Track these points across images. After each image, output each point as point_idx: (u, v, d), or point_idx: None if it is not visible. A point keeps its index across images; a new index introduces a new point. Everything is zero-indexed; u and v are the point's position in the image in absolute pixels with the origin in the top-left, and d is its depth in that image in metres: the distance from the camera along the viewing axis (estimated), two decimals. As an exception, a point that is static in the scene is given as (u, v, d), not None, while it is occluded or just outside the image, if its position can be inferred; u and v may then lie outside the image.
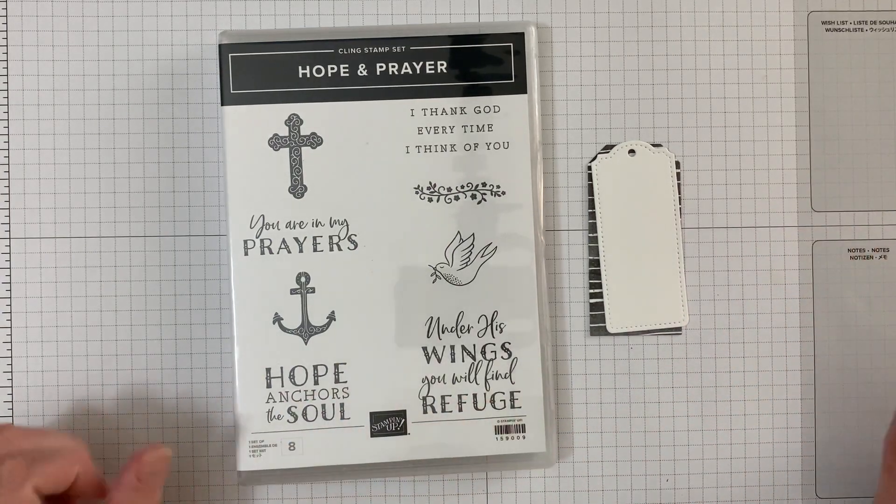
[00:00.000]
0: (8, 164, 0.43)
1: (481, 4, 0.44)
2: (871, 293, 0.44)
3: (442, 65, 0.42)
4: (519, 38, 0.42)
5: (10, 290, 0.43)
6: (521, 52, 0.42)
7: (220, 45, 0.41)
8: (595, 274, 0.43)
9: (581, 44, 0.44)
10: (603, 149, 0.44)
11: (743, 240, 0.44)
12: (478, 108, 0.42)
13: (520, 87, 0.42)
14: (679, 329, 0.44)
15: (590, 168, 0.44)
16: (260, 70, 0.42)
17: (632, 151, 0.44)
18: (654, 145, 0.44)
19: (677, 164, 0.44)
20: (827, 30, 0.44)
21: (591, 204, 0.44)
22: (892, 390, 0.44)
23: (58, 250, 0.43)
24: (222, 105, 0.41)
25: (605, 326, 0.43)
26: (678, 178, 0.44)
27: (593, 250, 0.43)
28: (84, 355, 0.43)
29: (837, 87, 0.44)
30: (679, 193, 0.44)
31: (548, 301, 0.43)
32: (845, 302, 0.44)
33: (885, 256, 0.44)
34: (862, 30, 0.44)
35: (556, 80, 0.44)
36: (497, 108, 0.42)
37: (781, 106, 0.44)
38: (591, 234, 0.44)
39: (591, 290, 0.43)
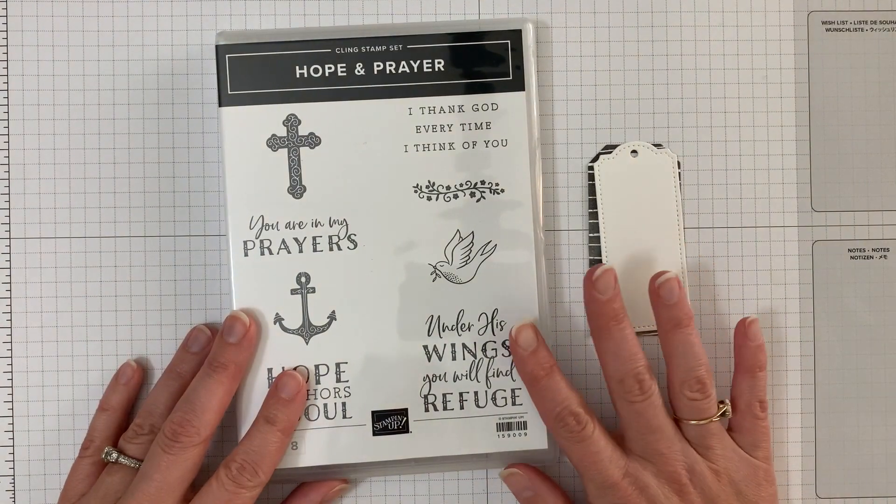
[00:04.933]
0: (8, 164, 0.43)
1: (481, 4, 0.44)
2: (871, 293, 0.44)
3: (440, 63, 0.42)
4: (517, 36, 0.42)
5: (10, 290, 0.43)
6: (518, 50, 0.42)
7: (217, 46, 0.41)
8: (595, 274, 0.43)
9: (581, 44, 0.44)
10: (605, 149, 0.44)
11: (743, 240, 0.44)
12: (476, 106, 0.42)
13: (518, 84, 0.42)
14: (679, 329, 0.44)
15: (591, 168, 0.44)
16: (257, 71, 0.41)
17: (634, 152, 0.44)
18: (654, 145, 0.44)
19: (678, 165, 0.44)
20: (827, 30, 0.44)
21: (592, 204, 0.44)
22: (893, 390, 0.44)
23: (58, 250, 0.43)
24: (220, 106, 0.41)
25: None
26: (679, 179, 0.44)
27: (594, 250, 0.43)
28: (84, 355, 0.43)
29: (837, 87, 0.44)
30: (680, 194, 0.44)
31: (548, 299, 0.43)
32: (845, 302, 0.44)
33: (885, 256, 0.44)
34: (862, 30, 0.44)
35: (556, 80, 0.44)
36: (495, 106, 0.42)
37: (781, 106, 0.44)
38: (591, 235, 0.44)
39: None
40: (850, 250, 0.44)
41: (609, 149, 0.44)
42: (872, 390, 0.44)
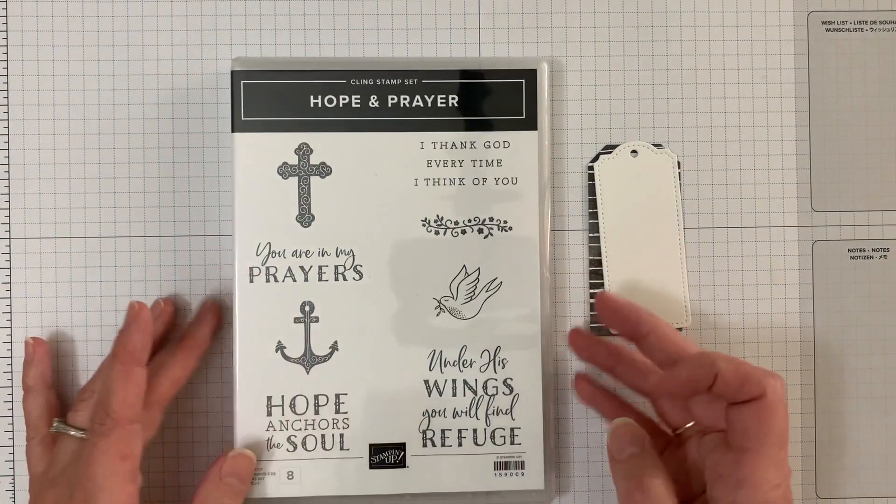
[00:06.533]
0: (8, 164, 0.43)
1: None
2: (871, 293, 0.44)
3: (453, 99, 0.42)
4: (531, 75, 0.42)
5: (10, 290, 0.43)
6: (532, 90, 0.42)
7: (232, 72, 0.41)
8: (596, 274, 0.43)
9: (581, 44, 0.44)
10: (604, 149, 0.44)
11: (743, 240, 0.44)
12: (488, 143, 0.42)
13: (530, 123, 0.42)
14: (680, 329, 0.44)
15: (591, 168, 0.44)
16: (271, 98, 0.41)
17: (634, 152, 0.44)
18: (654, 145, 0.44)
19: (678, 165, 0.44)
20: (827, 30, 0.44)
21: (592, 204, 0.44)
22: (892, 390, 0.44)
23: (58, 250, 0.43)
24: (233, 132, 0.41)
25: (606, 327, 0.43)
26: (679, 179, 0.44)
27: (594, 250, 0.43)
28: (84, 355, 0.43)
29: (837, 87, 0.44)
30: (680, 194, 0.44)
31: (553, 333, 0.43)
32: (845, 302, 0.44)
33: (885, 256, 0.44)
34: (862, 30, 0.44)
35: (556, 80, 0.44)
36: (507, 144, 0.42)
37: (781, 106, 0.44)
38: (591, 235, 0.44)
39: (592, 291, 0.43)
40: (850, 250, 0.44)
41: (609, 149, 0.44)
42: (872, 390, 0.44)
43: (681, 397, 0.38)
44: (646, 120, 0.44)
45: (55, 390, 0.42)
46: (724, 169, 0.44)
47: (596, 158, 0.44)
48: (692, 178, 0.44)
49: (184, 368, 0.41)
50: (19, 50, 0.43)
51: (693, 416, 0.39)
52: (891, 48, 0.45)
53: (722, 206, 0.44)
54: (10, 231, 0.43)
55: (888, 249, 0.44)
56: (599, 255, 0.43)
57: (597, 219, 0.43)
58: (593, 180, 0.44)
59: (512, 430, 0.42)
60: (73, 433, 0.38)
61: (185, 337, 0.41)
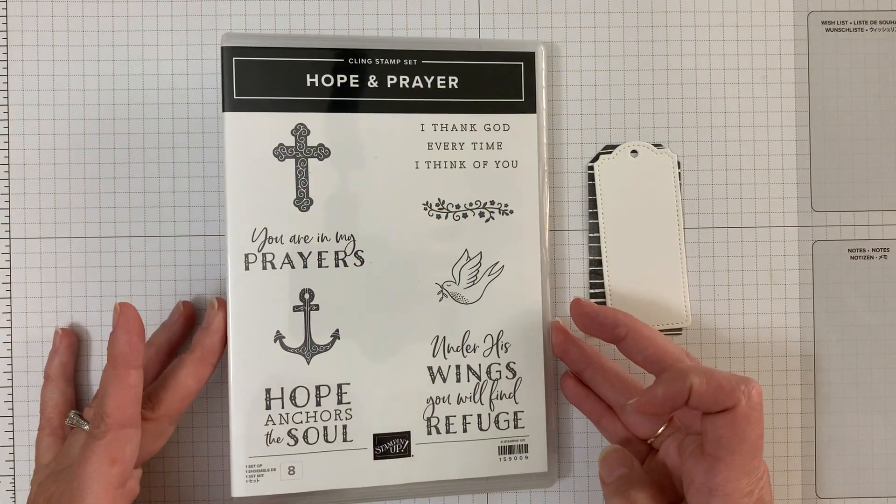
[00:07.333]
0: (8, 164, 0.43)
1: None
2: (871, 293, 0.44)
3: (453, 80, 0.42)
4: (529, 58, 0.42)
5: (10, 290, 0.43)
6: (531, 72, 0.42)
7: (222, 48, 0.40)
8: (596, 274, 0.43)
9: (581, 44, 0.44)
10: (604, 149, 0.44)
11: (743, 240, 0.44)
12: (488, 126, 0.42)
13: (529, 106, 0.42)
14: (680, 329, 0.44)
15: (591, 168, 0.44)
16: (266, 76, 0.40)
17: (634, 152, 0.44)
18: (654, 145, 0.44)
19: (678, 165, 0.44)
20: (827, 30, 0.44)
21: (592, 204, 0.44)
22: (892, 390, 0.44)
23: (58, 250, 0.43)
24: (224, 111, 0.40)
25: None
26: (679, 179, 0.44)
27: (594, 250, 0.43)
28: (84, 355, 0.43)
29: (837, 87, 0.44)
30: (680, 194, 0.44)
31: (552, 315, 0.43)
32: (845, 302, 0.44)
33: (885, 256, 0.44)
34: (862, 30, 0.44)
35: (556, 80, 0.44)
36: (507, 127, 0.42)
37: (781, 106, 0.44)
38: (591, 235, 0.44)
39: (592, 291, 0.43)
40: (850, 250, 0.44)
41: (609, 149, 0.44)
42: (872, 390, 0.44)
43: (662, 416, 0.39)
44: (646, 120, 0.44)
45: (73, 384, 0.42)
46: (724, 169, 0.44)
47: (596, 158, 0.44)
48: (692, 178, 0.44)
49: (196, 381, 0.39)
50: (19, 50, 0.43)
51: (674, 418, 0.39)
52: (891, 48, 0.45)
53: (722, 206, 0.44)
54: (10, 231, 0.43)
55: (888, 249, 0.44)
56: (599, 255, 0.43)
57: (597, 219, 0.43)
58: (593, 180, 0.44)
59: (515, 413, 0.42)
60: (85, 427, 0.38)
61: (196, 347, 0.40)
